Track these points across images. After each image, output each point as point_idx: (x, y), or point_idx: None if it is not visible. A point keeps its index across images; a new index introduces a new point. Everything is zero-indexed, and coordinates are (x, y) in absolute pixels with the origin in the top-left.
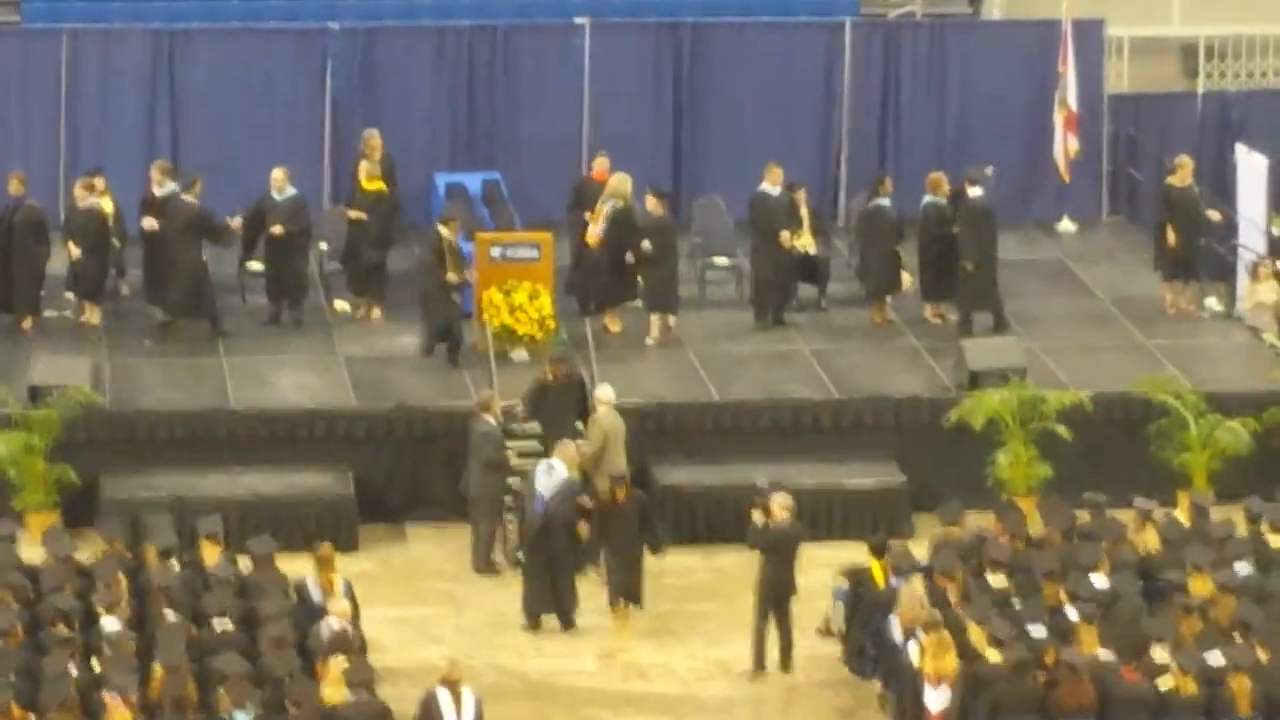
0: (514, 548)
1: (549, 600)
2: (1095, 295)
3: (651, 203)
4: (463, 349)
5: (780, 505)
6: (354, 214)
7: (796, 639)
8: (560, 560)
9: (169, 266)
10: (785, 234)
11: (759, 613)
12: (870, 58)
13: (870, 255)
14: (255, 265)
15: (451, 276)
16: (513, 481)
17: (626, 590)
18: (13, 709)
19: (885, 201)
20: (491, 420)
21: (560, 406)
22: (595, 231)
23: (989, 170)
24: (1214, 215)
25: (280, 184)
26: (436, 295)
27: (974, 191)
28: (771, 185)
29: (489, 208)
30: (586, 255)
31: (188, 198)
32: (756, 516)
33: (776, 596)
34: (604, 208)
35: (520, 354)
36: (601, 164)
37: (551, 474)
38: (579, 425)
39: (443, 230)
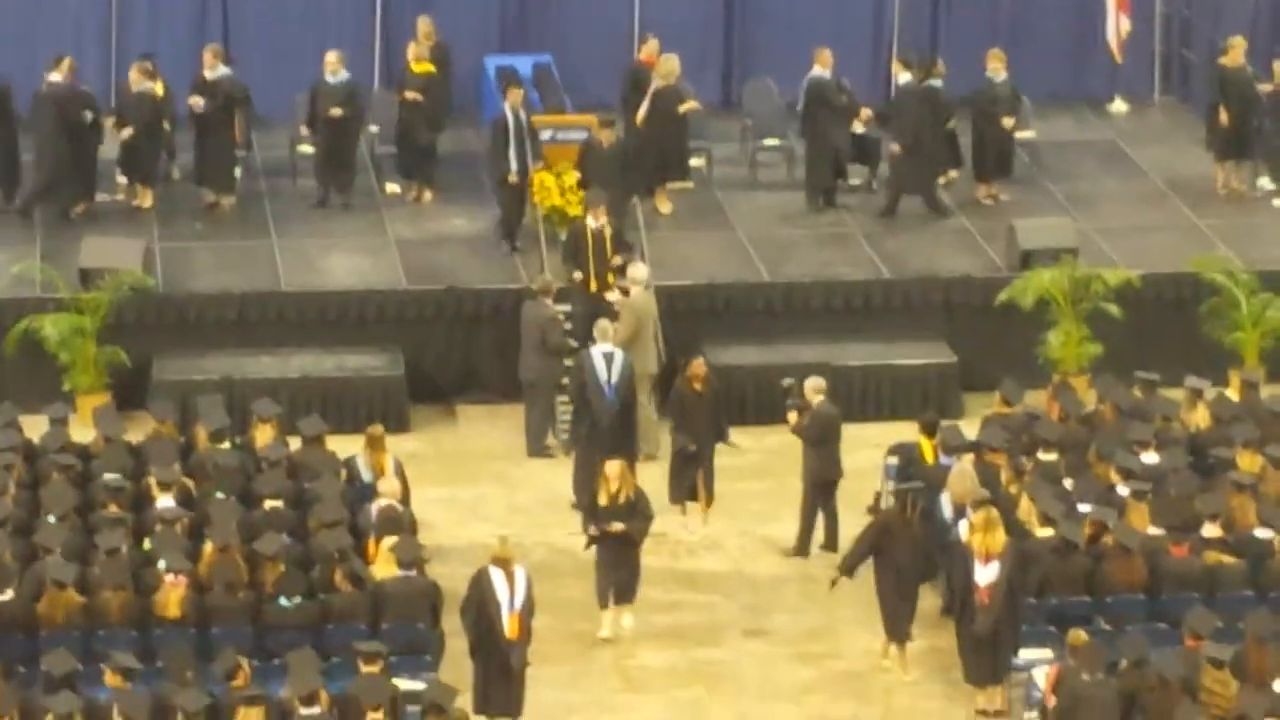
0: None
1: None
2: (1147, 175)
3: (605, 135)
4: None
5: (813, 389)
6: (410, 94)
7: (847, 517)
8: (620, 445)
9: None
10: (866, 111)
11: (808, 502)
12: None
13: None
14: (305, 148)
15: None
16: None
17: (896, 629)
18: (68, 590)
19: (938, 83)
20: (550, 303)
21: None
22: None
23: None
24: (1265, 87)
25: (334, 67)
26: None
27: (904, 76)
28: (822, 68)
29: (540, 90)
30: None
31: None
32: (792, 418)
33: (825, 482)
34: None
35: None
36: (651, 47)
37: (613, 361)
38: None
39: (589, 222)
